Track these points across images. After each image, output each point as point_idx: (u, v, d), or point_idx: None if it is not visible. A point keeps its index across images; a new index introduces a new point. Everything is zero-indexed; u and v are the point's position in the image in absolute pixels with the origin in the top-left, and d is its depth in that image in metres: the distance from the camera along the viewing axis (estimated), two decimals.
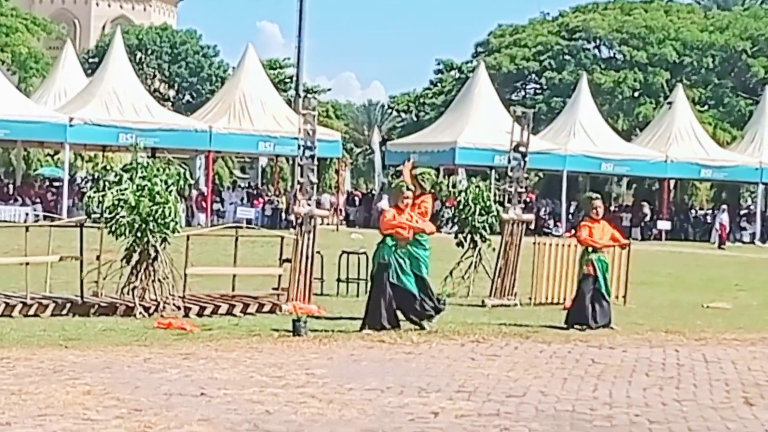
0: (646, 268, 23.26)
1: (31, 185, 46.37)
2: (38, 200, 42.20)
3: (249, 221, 40.56)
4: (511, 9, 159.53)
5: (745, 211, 54.48)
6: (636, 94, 59.75)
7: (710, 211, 53.40)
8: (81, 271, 13.82)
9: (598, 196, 14.91)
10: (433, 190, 14.37)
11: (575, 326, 13.86)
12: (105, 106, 39.24)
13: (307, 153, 15.07)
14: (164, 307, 13.53)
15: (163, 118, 40.90)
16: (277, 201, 45.78)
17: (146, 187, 13.48)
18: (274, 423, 7.67)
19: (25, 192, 43.43)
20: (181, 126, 40.72)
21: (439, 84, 69.97)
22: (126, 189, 13.45)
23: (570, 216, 46.61)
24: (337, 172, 52.15)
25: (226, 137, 41.21)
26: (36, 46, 60.28)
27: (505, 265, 16.74)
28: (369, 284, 13.74)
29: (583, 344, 12.40)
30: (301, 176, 15.06)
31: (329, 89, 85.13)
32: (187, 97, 75.19)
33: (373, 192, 53.02)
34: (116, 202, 13.36)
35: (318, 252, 15.27)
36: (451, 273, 17.73)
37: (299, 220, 14.93)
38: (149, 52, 74.28)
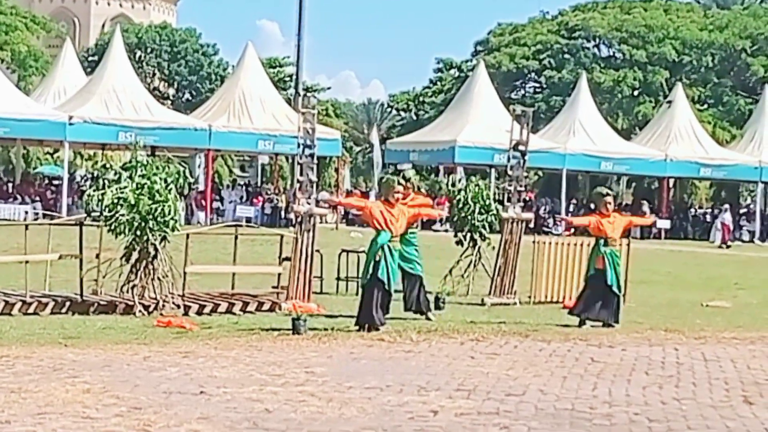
0: (646, 266, 23.26)
1: (31, 183, 46.35)
2: (38, 198, 42.15)
3: (248, 220, 40.51)
4: (510, 8, 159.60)
5: (745, 210, 54.49)
6: (635, 92, 59.73)
7: (710, 210, 53.39)
8: (80, 269, 13.81)
9: (610, 192, 14.96)
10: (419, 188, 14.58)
11: (586, 320, 13.95)
12: (104, 105, 39.22)
13: (307, 151, 15.07)
14: (164, 306, 13.53)
15: (163, 117, 40.88)
16: (277, 199, 45.75)
17: (146, 186, 13.48)
18: (274, 421, 7.67)
19: (24, 190, 43.41)
20: (180, 124, 40.69)
21: (438, 83, 69.91)
22: (125, 187, 13.45)
23: (569, 215, 46.56)
24: (336, 170, 52.15)
25: (226, 136, 41.19)
26: (35, 45, 60.21)
27: (504, 264, 16.75)
28: (361, 282, 13.77)
29: (582, 343, 12.40)
30: (301, 175, 15.06)
31: (329, 88, 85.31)
32: (187, 95, 75.14)
33: (372, 190, 53.03)
34: (116, 201, 13.37)
35: (317, 250, 15.27)
36: (450, 272, 17.73)
37: (299, 219, 14.94)
38: (149, 50, 74.24)
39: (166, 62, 74.24)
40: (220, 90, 47.20)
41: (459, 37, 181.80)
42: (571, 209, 47.26)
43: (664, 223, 48.27)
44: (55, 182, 45.63)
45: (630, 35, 60.31)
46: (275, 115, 41.93)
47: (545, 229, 44.02)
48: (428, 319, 14.01)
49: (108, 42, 48.48)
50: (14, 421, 7.34)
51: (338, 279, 17.52)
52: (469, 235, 17.96)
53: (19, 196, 42.14)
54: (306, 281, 14.77)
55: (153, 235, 13.45)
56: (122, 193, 13.40)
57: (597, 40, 62.83)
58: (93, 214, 14.11)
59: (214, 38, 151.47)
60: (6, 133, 38.85)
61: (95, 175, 35.77)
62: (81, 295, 13.70)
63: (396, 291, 13.49)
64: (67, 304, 13.53)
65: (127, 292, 13.69)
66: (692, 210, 54.93)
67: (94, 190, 13.80)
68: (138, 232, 13.43)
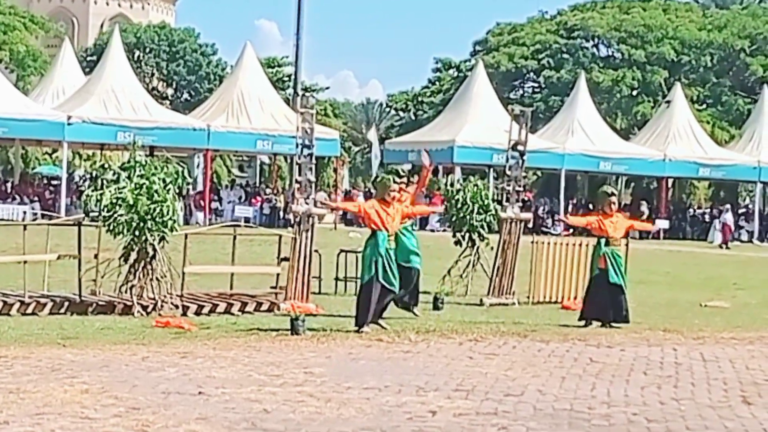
0: (644, 266, 23.26)
1: (29, 184, 46.33)
2: (36, 199, 42.15)
3: (247, 220, 40.51)
4: (509, 7, 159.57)
5: (743, 210, 54.49)
6: (634, 92, 59.73)
7: (708, 210, 53.39)
8: (79, 269, 13.81)
9: (615, 192, 14.96)
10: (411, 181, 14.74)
11: (595, 322, 13.97)
12: (103, 105, 39.20)
13: (306, 151, 15.07)
14: (162, 306, 13.52)
15: (161, 117, 40.87)
16: (275, 199, 45.75)
17: (144, 186, 13.48)
18: (272, 422, 7.67)
19: (23, 190, 43.40)
20: (179, 124, 40.69)
21: (437, 82, 69.87)
22: (124, 187, 13.44)
23: (568, 215, 46.53)
24: (335, 170, 52.18)
25: (224, 136, 41.18)
26: (34, 45, 60.18)
27: (503, 264, 16.74)
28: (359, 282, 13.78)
29: (581, 343, 12.40)
30: (300, 175, 15.06)
31: (327, 88, 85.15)
32: (186, 95, 75.14)
33: (371, 190, 53.01)
34: (114, 201, 13.36)
35: (316, 250, 15.27)
36: (449, 272, 17.73)
37: (297, 219, 14.93)
38: (147, 50, 74.22)
39: (165, 62, 74.22)
40: (218, 90, 47.20)
41: (457, 36, 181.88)
42: (569, 209, 47.23)
43: (663, 223, 48.27)
44: (54, 182, 45.62)
45: (629, 35, 60.31)
46: (274, 115, 41.92)
47: (544, 229, 44.01)
48: (414, 314, 14.08)
49: (106, 42, 48.48)
50: (12, 422, 7.33)
51: (337, 279, 17.52)
52: (467, 235, 17.96)
53: (17, 196, 42.13)
54: (304, 281, 14.76)
55: (151, 235, 13.44)
56: (121, 193, 13.39)
57: (596, 39, 62.84)
58: (91, 214, 14.12)
59: (212, 38, 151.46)
60: (4, 133, 38.83)
61: (94, 175, 35.71)
62: (79, 295, 13.69)
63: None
64: (66, 304, 13.53)
65: (126, 292, 13.69)
66: (691, 210, 54.94)
67: (92, 190, 13.79)
68: (136, 233, 13.42)
